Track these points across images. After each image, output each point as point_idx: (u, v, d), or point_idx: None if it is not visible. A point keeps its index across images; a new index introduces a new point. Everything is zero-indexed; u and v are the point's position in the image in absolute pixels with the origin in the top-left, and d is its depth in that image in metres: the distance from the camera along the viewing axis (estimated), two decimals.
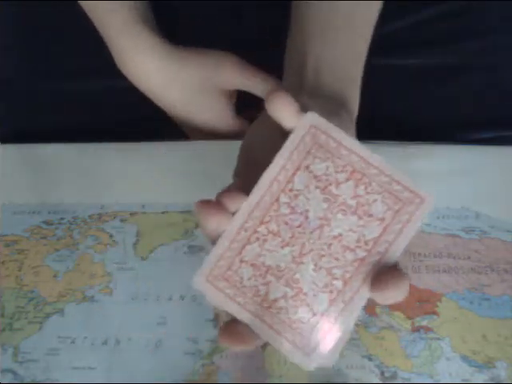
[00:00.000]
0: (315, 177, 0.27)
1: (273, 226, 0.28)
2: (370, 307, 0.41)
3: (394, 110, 0.52)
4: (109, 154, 0.51)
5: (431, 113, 0.53)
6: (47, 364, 0.39)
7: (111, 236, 0.47)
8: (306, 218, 0.27)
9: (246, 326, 0.27)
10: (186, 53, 0.42)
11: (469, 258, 0.44)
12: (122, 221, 0.48)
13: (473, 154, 0.49)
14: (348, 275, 0.27)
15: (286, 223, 0.27)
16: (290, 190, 0.28)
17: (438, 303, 0.41)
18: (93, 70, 0.54)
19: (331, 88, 0.35)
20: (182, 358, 0.39)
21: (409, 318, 0.41)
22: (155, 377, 0.38)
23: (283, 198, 0.28)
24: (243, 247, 0.28)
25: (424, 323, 0.40)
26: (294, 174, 0.27)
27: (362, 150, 0.27)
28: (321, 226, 0.27)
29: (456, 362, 0.38)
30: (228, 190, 0.28)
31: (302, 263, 0.27)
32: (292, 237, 0.27)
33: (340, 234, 0.27)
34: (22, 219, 0.48)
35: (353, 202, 0.27)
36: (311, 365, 0.27)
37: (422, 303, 0.41)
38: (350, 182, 0.27)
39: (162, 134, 0.52)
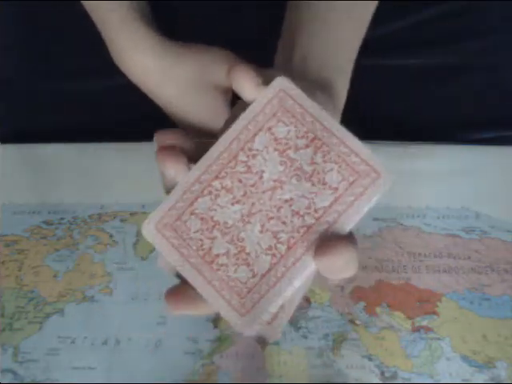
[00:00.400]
0: (276, 139, 0.28)
1: (227, 182, 0.28)
2: (370, 307, 0.41)
3: (394, 110, 0.52)
4: (109, 154, 0.51)
5: (432, 113, 0.53)
6: (47, 364, 0.39)
7: (111, 236, 0.47)
8: (261, 178, 0.27)
9: (194, 290, 0.27)
10: (183, 49, 0.42)
11: (469, 257, 0.44)
12: (121, 221, 0.48)
13: (473, 154, 0.49)
14: (293, 241, 0.26)
15: (240, 181, 0.28)
16: (250, 150, 0.28)
17: (438, 303, 0.41)
18: (93, 70, 0.54)
19: (318, 75, 0.35)
20: (181, 358, 0.39)
21: (409, 317, 0.41)
22: (155, 377, 0.38)
23: (241, 157, 0.28)
24: (195, 199, 0.28)
25: (424, 323, 0.40)
26: (255, 135, 0.28)
27: (327, 119, 0.27)
28: (273, 188, 0.27)
29: (456, 361, 0.38)
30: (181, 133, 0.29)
31: (249, 223, 0.27)
32: (244, 195, 0.27)
33: (291, 199, 0.27)
34: (22, 219, 0.48)
35: (309, 169, 0.27)
36: (246, 328, 0.26)
37: (421, 303, 0.41)
38: (309, 149, 0.27)
39: None
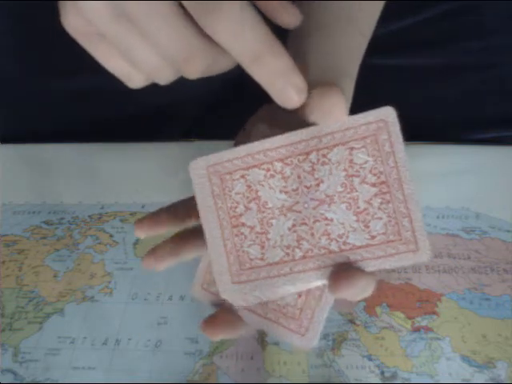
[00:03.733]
0: (350, 161, 0.27)
1: (287, 170, 0.28)
2: (370, 307, 0.41)
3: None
4: (109, 154, 0.51)
5: (431, 113, 0.53)
6: (47, 364, 0.39)
7: (111, 236, 0.47)
8: (317, 185, 0.27)
9: (230, 314, 0.28)
10: None
11: (469, 257, 0.44)
12: (121, 221, 0.48)
13: (473, 153, 0.49)
14: (310, 254, 0.27)
15: (299, 177, 0.28)
16: (323, 156, 0.28)
17: (438, 303, 0.41)
18: (93, 71, 0.54)
19: (321, 77, 0.35)
20: (181, 357, 0.39)
21: (409, 318, 0.41)
22: (155, 377, 0.38)
23: (313, 157, 0.28)
24: (252, 167, 0.29)
25: (424, 323, 0.40)
26: (335, 146, 0.28)
27: (405, 173, 0.27)
28: (322, 201, 0.27)
29: (456, 361, 0.38)
30: None
31: (285, 216, 0.28)
32: (295, 190, 0.28)
33: (331, 219, 0.27)
34: (22, 219, 0.48)
35: (362, 205, 0.27)
36: (309, 345, 0.27)
37: (422, 303, 0.41)
38: (373, 189, 0.27)
39: (162, 134, 0.52)
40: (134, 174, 0.50)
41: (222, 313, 0.29)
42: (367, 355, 0.39)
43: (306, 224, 0.27)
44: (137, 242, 0.46)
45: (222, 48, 0.23)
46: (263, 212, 0.28)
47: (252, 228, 0.28)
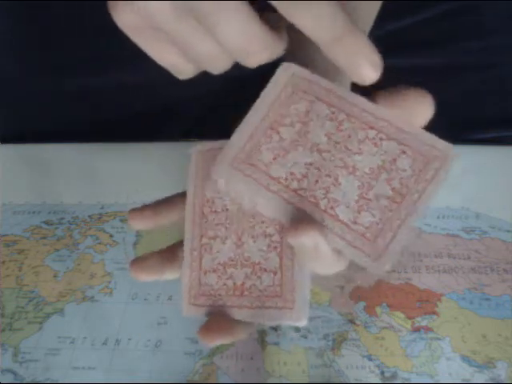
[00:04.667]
0: (394, 159, 0.27)
1: (344, 123, 0.28)
2: (370, 307, 0.41)
3: None
4: (109, 154, 0.51)
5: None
6: (47, 364, 0.39)
7: (111, 236, 0.47)
8: (354, 153, 0.27)
9: (224, 319, 0.28)
10: None
11: (469, 257, 0.44)
12: (121, 221, 0.48)
13: (473, 154, 0.49)
14: (302, 193, 0.27)
15: (349, 136, 0.28)
16: (380, 139, 0.28)
17: (438, 303, 0.41)
18: (93, 71, 0.54)
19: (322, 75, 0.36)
20: (181, 357, 0.39)
21: (409, 318, 0.41)
22: (155, 377, 0.38)
23: (371, 132, 0.28)
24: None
25: (424, 323, 0.40)
26: (393, 139, 0.28)
27: (422, 206, 0.27)
28: (346, 166, 0.27)
29: (456, 361, 0.38)
30: None
31: (310, 151, 0.28)
32: (337, 142, 0.28)
33: (339, 183, 0.27)
34: (22, 219, 0.48)
35: (371, 195, 0.27)
36: (301, 316, 0.27)
37: (422, 303, 0.41)
38: (390, 193, 0.27)
39: (162, 134, 0.52)
40: (134, 173, 0.50)
41: (216, 319, 0.29)
42: (367, 355, 0.39)
43: (319, 170, 0.27)
44: (137, 241, 0.46)
45: (303, 34, 0.24)
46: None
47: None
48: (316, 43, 0.25)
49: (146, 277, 0.31)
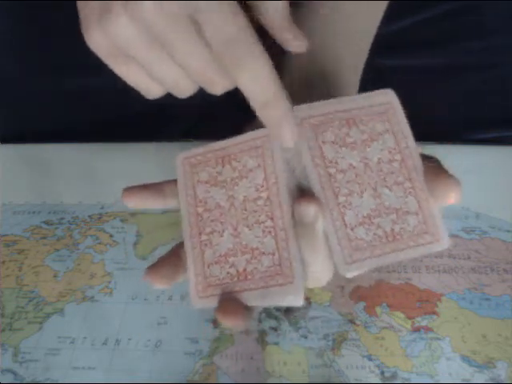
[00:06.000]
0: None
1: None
2: (370, 307, 0.41)
3: None
4: (109, 154, 0.51)
5: (432, 113, 0.53)
6: (47, 364, 0.39)
7: (111, 236, 0.47)
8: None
9: (242, 303, 0.30)
10: None
11: (469, 257, 0.44)
12: (122, 221, 0.48)
13: (473, 154, 0.49)
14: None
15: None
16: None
17: (438, 303, 0.41)
18: (93, 71, 0.54)
19: (324, 69, 0.36)
20: (181, 357, 0.39)
21: (409, 318, 0.41)
22: (155, 377, 0.38)
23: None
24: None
25: (424, 323, 0.40)
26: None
27: None
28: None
29: (456, 361, 0.38)
30: None
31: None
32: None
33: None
34: (22, 219, 0.48)
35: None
36: (299, 291, 0.29)
37: (422, 303, 0.41)
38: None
39: (162, 134, 0.51)
40: (134, 173, 0.50)
41: (228, 302, 0.30)
42: (367, 355, 0.39)
43: (356, 176, 0.30)
44: (137, 242, 0.46)
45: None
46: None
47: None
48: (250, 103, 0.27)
49: (162, 285, 0.32)
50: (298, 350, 0.39)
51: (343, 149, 0.31)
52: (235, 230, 0.31)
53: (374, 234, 0.30)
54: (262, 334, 0.40)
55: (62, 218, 0.48)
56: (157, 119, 0.52)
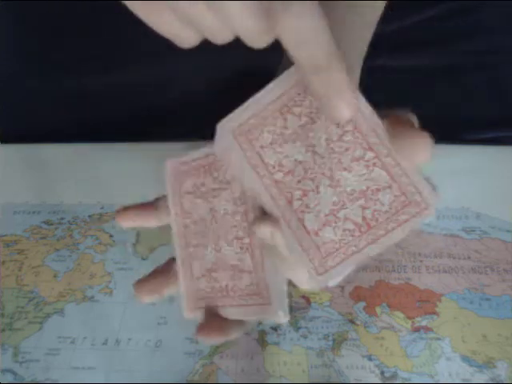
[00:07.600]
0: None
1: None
2: (370, 307, 0.41)
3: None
4: (109, 154, 0.51)
5: (431, 113, 0.53)
6: (47, 364, 0.39)
7: (111, 236, 0.47)
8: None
9: (224, 320, 0.30)
10: None
11: (469, 257, 0.44)
12: None
13: (473, 154, 0.49)
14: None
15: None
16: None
17: (438, 303, 0.41)
18: (93, 71, 0.54)
19: None
20: (181, 357, 0.39)
21: (409, 317, 0.41)
22: (155, 377, 0.38)
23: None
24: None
25: (424, 323, 0.40)
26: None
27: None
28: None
29: (456, 361, 0.38)
30: None
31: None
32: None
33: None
34: (22, 219, 0.48)
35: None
36: (277, 310, 0.28)
37: (422, 303, 0.41)
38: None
39: (162, 135, 0.51)
40: (134, 174, 0.50)
41: (212, 318, 0.30)
42: (367, 355, 0.39)
43: (305, 171, 0.27)
44: (137, 241, 0.46)
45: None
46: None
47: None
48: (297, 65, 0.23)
49: (150, 299, 0.33)
50: (298, 350, 0.39)
51: (280, 148, 0.27)
52: (216, 244, 0.30)
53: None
54: (262, 334, 0.40)
55: (62, 218, 0.48)
56: (157, 119, 0.52)
